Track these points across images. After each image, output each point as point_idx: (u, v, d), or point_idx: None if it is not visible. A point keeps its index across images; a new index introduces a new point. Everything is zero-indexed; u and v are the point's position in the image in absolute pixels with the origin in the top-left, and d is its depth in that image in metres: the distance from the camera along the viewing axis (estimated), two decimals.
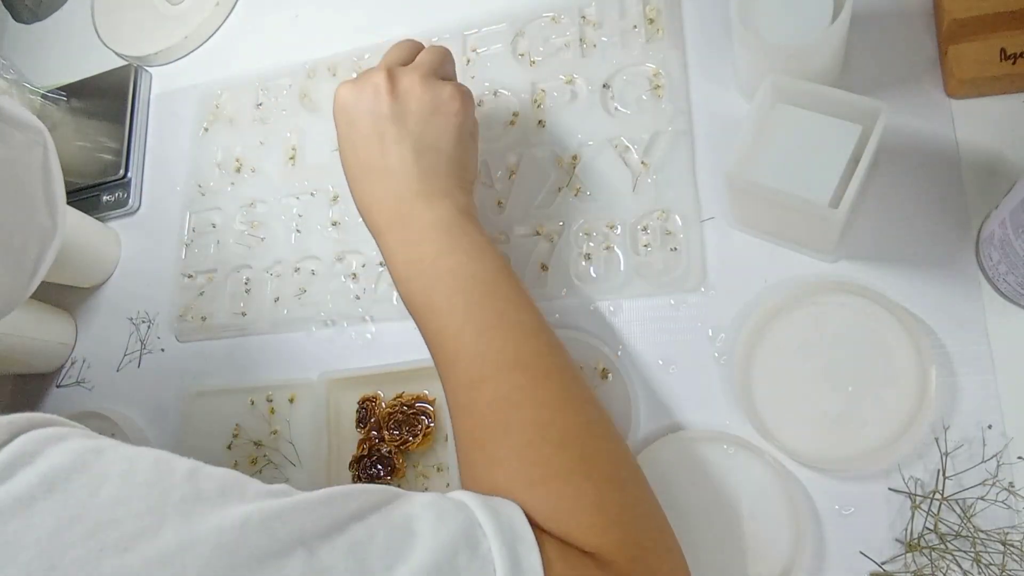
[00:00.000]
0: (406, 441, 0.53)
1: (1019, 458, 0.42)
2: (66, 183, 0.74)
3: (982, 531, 0.41)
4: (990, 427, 0.43)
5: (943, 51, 0.49)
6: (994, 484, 0.42)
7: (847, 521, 0.44)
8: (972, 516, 0.42)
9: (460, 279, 0.43)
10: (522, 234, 0.57)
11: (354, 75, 0.67)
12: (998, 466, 0.42)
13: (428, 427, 0.54)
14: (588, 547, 0.35)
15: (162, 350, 0.67)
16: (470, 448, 0.40)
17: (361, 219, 0.48)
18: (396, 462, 0.54)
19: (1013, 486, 0.42)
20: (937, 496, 0.43)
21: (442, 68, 0.49)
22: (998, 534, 0.41)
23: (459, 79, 0.63)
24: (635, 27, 0.59)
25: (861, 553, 0.43)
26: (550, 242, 0.56)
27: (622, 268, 0.54)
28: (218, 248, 0.67)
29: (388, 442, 0.54)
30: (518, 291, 0.44)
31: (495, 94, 0.62)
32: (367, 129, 0.46)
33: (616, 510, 0.37)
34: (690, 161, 0.54)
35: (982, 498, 0.42)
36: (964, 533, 0.42)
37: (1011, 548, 0.41)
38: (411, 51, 0.50)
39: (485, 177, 0.60)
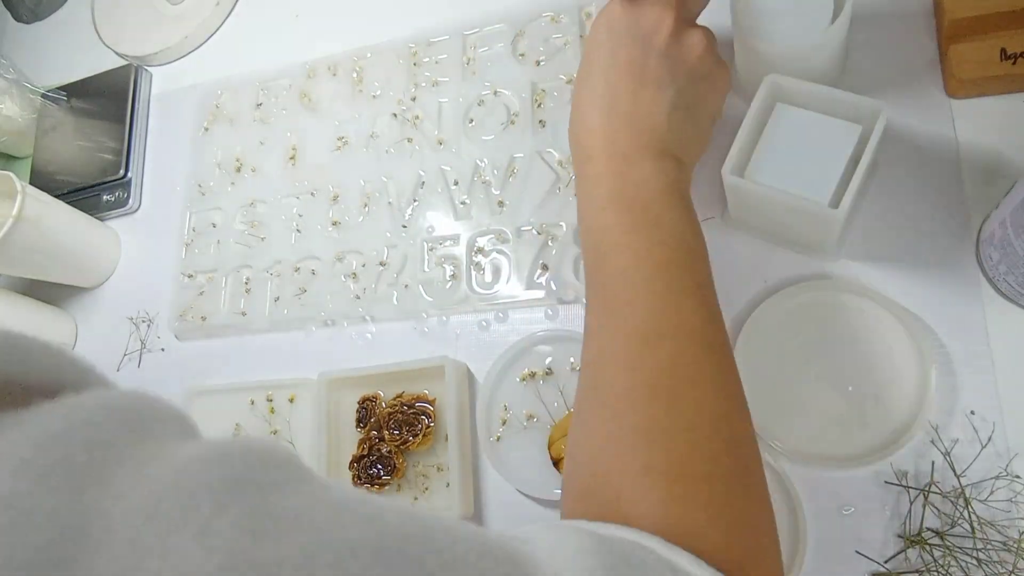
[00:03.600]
0: (406, 441, 0.53)
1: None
2: (66, 183, 0.75)
3: (987, 524, 0.41)
4: (992, 428, 0.43)
5: (943, 51, 0.49)
6: (996, 479, 0.42)
7: (847, 520, 0.44)
8: (972, 512, 0.42)
9: (668, 234, 0.40)
10: (522, 233, 0.57)
11: (354, 74, 0.67)
12: (1007, 464, 0.42)
13: (428, 427, 0.54)
14: (720, 561, 0.31)
15: (162, 350, 0.67)
16: (626, 407, 0.35)
17: (570, 130, 0.46)
18: (396, 462, 0.54)
19: (1014, 484, 0.42)
20: (935, 488, 0.43)
21: (717, 46, 0.47)
22: (1000, 530, 0.41)
23: (460, 79, 0.63)
24: None
25: (857, 552, 0.43)
26: (550, 242, 0.56)
27: None
28: (218, 248, 0.67)
29: (388, 442, 0.54)
30: (710, 274, 0.41)
31: (495, 94, 0.62)
32: (633, 57, 0.43)
33: (765, 538, 0.34)
34: None
35: (979, 499, 0.42)
36: (964, 527, 0.42)
37: (1011, 543, 0.41)
38: (697, 4, 0.47)
39: (486, 177, 0.60)
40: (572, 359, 0.53)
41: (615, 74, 0.43)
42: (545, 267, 0.56)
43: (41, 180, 0.77)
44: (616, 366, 0.37)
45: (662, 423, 0.34)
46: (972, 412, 0.44)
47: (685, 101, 0.43)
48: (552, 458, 0.50)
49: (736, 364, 0.39)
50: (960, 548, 0.42)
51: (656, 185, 0.41)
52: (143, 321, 0.69)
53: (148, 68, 0.79)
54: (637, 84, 0.43)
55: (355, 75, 0.68)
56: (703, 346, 0.37)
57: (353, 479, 0.55)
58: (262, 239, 0.66)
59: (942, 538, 0.42)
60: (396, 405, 0.55)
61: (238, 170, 0.69)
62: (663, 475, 0.33)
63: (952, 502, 0.42)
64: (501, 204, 0.59)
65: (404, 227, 0.61)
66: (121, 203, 0.73)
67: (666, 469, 0.33)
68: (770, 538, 0.34)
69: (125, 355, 0.69)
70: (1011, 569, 0.40)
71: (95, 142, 0.76)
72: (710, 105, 0.45)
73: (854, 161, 0.44)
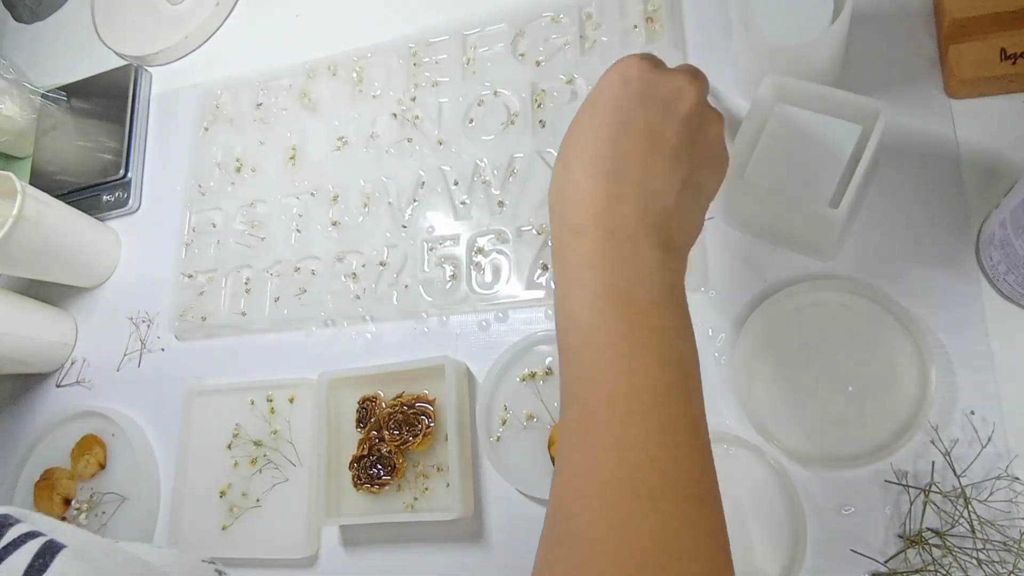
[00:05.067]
0: (406, 441, 0.53)
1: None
2: (66, 183, 0.75)
3: (987, 524, 0.41)
4: (992, 428, 0.43)
5: (943, 51, 0.49)
6: (997, 479, 0.42)
7: (847, 520, 0.44)
8: (972, 511, 0.42)
9: (669, 349, 0.34)
10: (522, 234, 0.57)
11: (354, 74, 0.67)
12: (1008, 465, 0.42)
13: (428, 427, 0.54)
14: None
15: (162, 350, 0.67)
16: (601, 566, 0.30)
17: (551, 195, 0.38)
18: (396, 462, 0.54)
19: (1015, 485, 0.42)
20: (935, 488, 0.43)
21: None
22: (1000, 529, 0.41)
23: (460, 79, 0.63)
24: (635, 27, 0.59)
25: (853, 551, 0.43)
26: (550, 242, 0.56)
27: None
28: (218, 248, 0.67)
29: (388, 442, 0.54)
30: (703, 403, 0.35)
31: (495, 94, 0.62)
32: (652, 119, 0.37)
33: None
34: None
35: (979, 499, 0.42)
36: (964, 527, 0.42)
37: (1011, 543, 0.41)
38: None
39: (486, 177, 0.60)
40: None
41: (630, 137, 0.36)
42: (545, 267, 0.56)
43: (41, 180, 0.77)
44: (600, 521, 0.31)
45: None
46: (972, 412, 0.44)
47: (695, 180, 0.38)
48: (552, 458, 0.50)
49: (725, 521, 0.33)
50: (960, 548, 0.42)
51: (659, 284, 0.35)
52: (143, 321, 0.69)
53: (148, 68, 0.79)
54: (652, 151, 0.36)
55: (355, 75, 0.68)
56: (700, 506, 0.31)
57: (353, 479, 0.55)
58: (262, 239, 0.66)
59: (942, 538, 0.42)
60: (396, 405, 0.55)
61: (238, 170, 0.69)
62: None
63: (952, 502, 0.42)
64: (501, 204, 0.59)
65: (404, 227, 0.61)
66: (121, 203, 0.73)
67: None
68: None
69: (125, 355, 0.69)
70: (1011, 569, 0.40)
71: (95, 142, 0.76)
72: (712, 190, 0.40)
73: (854, 161, 0.44)
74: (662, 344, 0.34)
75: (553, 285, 0.38)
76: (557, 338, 0.36)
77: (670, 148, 0.37)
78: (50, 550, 0.27)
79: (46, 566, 0.26)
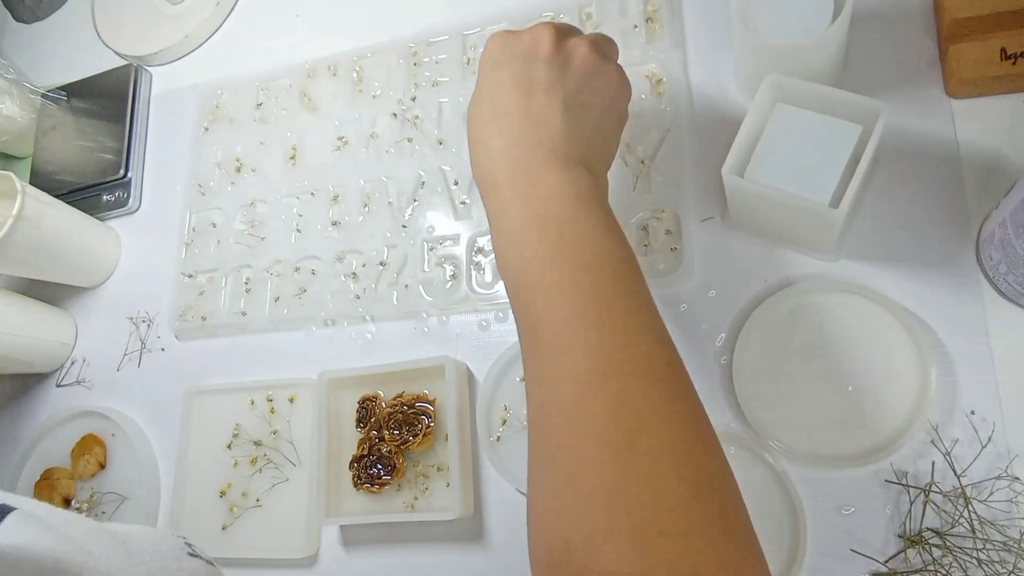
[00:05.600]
0: (406, 441, 0.53)
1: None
2: (66, 183, 0.75)
3: (987, 524, 0.41)
4: (992, 428, 0.43)
5: (943, 51, 0.49)
6: (997, 479, 0.42)
7: (847, 520, 0.44)
8: (973, 511, 0.42)
9: (590, 255, 0.36)
10: None
11: (354, 74, 0.67)
12: (1008, 465, 0.42)
13: (428, 427, 0.54)
14: None
15: (162, 349, 0.67)
16: (575, 465, 0.32)
17: (473, 173, 0.43)
18: (396, 462, 0.54)
19: (1015, 485, 0.42)
20: (935, 488, 0.43)
21: (607, 46, 0.45)
22: (1000, 529, 0.41)
23: (460, 79, 0.63)
24: (635, 26, 0.59)
25: (853, 551, 0.43)
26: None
27: None
28: (218, 248, 0.67)
29: (388, 442, 0.54)
30: (647, 288, 0.37)
31: None
32: (516, 73, 0.41)
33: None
34: (690, 161, 0.54)
35: (979, 498, 0.42)
36: (964, 527, 0.42)
37: (1011, 543, 0.41)
38: (573, 27, 0.46)
39: None
40: None
41: (502, 92, 0.41)
42: None
43: (41, 180, 0.77)
44: (560, 418, 0.33)
45: (618, 479, 0.30)
46: (972, 412, 0.44)
47: (579, 100, 0.41)
48: None
49: (694, 391, 0.35)
50: (960, 548, 0.42)
51: (568, 198, 0.38)
52: (143, 321, 0.69)
53: (148, 68, 0.79)
54: (525, 94, 0.41)
55: (355, 75, 0.68)
56: (652, 379, 0.33)
57: (353, 479, 0.55)
58: (262, 239, 0.66)
59: (942, 538, 0.42)
60: (396, 405, 0.55)
61: (238, 170, 0.69)
62: (628, 539, 0.29)
63: (952, 502, 0.42)
64: None
65: (404, 227, 0.61)
66: (121, 203, 0.73)
67: (630, 532, 0.29)
68: None
69: (125, 355, 0.69)
70: (1011, 569, 0.40)
71: (95, 142, 0.76)
72: (607, 101, 0.43)
73: (854, 161, 0.44)
74: (583, 251, 0.36)
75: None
76: (506, 291, 0.39)
77: (540, 85, 0.41)
78: (1, 511, 0.27)
79: None
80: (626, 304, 0.35)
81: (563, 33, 0.43)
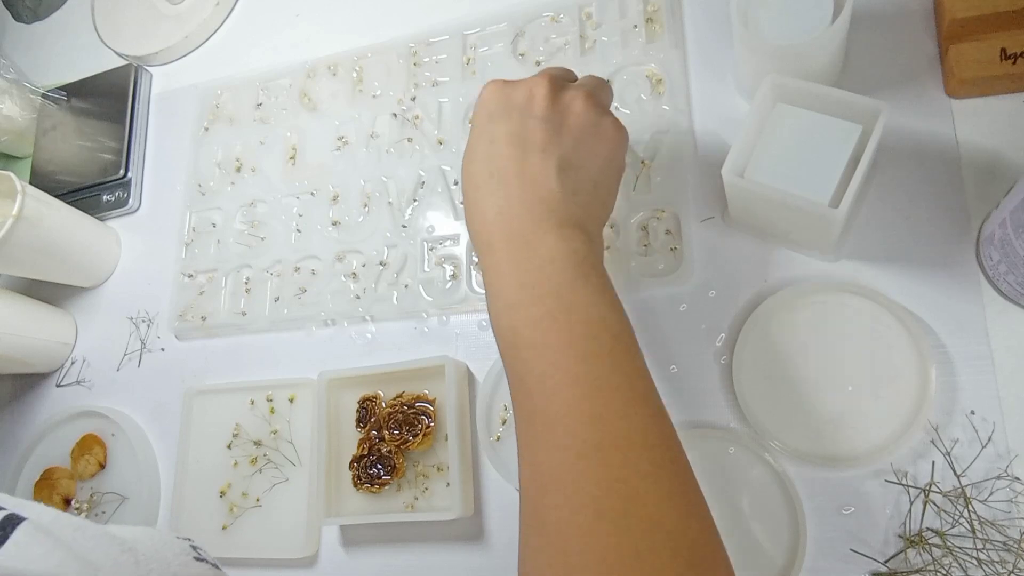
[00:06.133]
0: (406, 441, 0.53)
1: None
2: (66, 183, 0.75)
3: (987, 524, 0.41)
4: (992, 428, 0.43)
5: (943, 51, 0.49)
6: (997, 479, 0.42)
7: (847, 520, 0.44)
8: (973, 511, 0.42)
9: (586, 322, 0.36)
10: None
11: (354, 74, 0.67)
12: (1008, 465, 0.42)
13: (428, 427, 0.54)
14: None
15: (162, 349, 0.67)
16: (568, 535, 0.31)
17: (468, 229, 0.42)
18: (396, 462, 0.54)
19: (1015, 485, 0.42)
20: (935, 488, 0.43)
21: (602, 94, 0.45)
22: (1000, 529, 0.41)
23: (460, 79, 0.63)
24: (635, 27, 0.59)
25: (853, 551, 0.43)
26: None
27: (622, 268, 0.54)
28: (218, 248, 0.67)
29: (388, 442, 0.54)
30: (642, 356, 0.37)
31: None
32: (512, 129, 0.41)
33: None
34: (690, 161, 0.54)
35: (979, 499, 0.42)
36: (964, 527, 0.42)
37: (1011, 543, 0.41)
38: (569, 74, 0.46)
39: None
40: None
41: (497, 149, 0.41)
42: None
43: (41, 180, 0.77)
44: (554, 487, 0.33)
45: (612, 554, 0.30)
46: (972, 412, 0.44)
47: (575, 161, 0.41)
48: None
49: (687, 462, 0.34)
50: (960, 548, 0.42)
51: (563, 262, 0.37)
52: (143, 321, 0.69)
53: (148, 68, 0.79)
54: (520, 153, 0.40)
55: (355, 75, 0.68)
56: (647, 451, 0.33)
57: (353, 479, 0.55)
58: (262, 239, 0.66)
59: (942, 538, 0.42)
60: (396, 405, 0.55)
61: (238, 170, 0.69)
62: None
63: (952, 502, 0.42)
64: None
65: (404, 227, 0.61)
66: (121, 203, 0.73)
67: None
68: None
69: (125, 355, 0.69)
70: (1011, 569, 0.40)
71: (95, 142, 0.76)
72: (603, 160, 0.42)
73: (854, 161, 0.44)
74: (577, 317, 0.36)
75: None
76: (499, 351, 0.39)
77: (535, 144, 0.40)
78: (10, 522, 0.27)
79: (6, 538, 0.26)
80: (622, 373, 0.35)
81: (559, 86, 0.42)
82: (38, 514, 0.28)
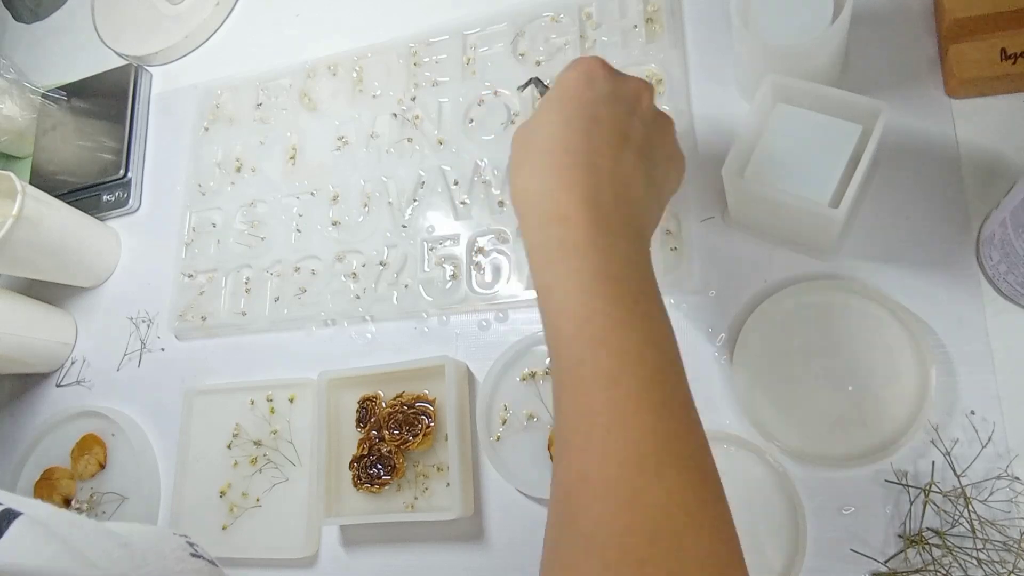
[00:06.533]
0: (406, 441, 0.53)
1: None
2: (66, 183, 0.75)
3: (987, 524, 0.41)
4: (992, 428, 0.43)
5: (943, 51, 0.49)
6: (997, 479, 0.42)
7: (847, 520, 0.44)
8: (972, 511, 0.42)
9: (659, 332, 0.35)
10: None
11: (354, 74, 0.67)
12: (1008, 465, 0.42)
13: (428, 427, 0.54)
14: None
15: (162, 349, 0.67)
16: (608, 551, 0.30)
17: (523, 187, 0.39)
18: (396, 462, 0.54)
19: (1015, 484, 0.42)
20: (935, 488, 0.43)
21: (672, 129, 0.44)
22: (1000, 529, 0.41)
23: (460, 79, 0.63)
24: (635, 27, 0.59)
25: (853, 551, 0.43)
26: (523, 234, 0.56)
27: None
28: (218, 248, 0.67)
29: (388, 442, 0.54)
30: (687, 383, 0.35)
31: (495, 94, 0.62)
32: (619, 116, 0.39)
33: None
34: (690, 161, 0.54)
35: (979, 498, 0.42)
36: (964, 526, 0.42)
37: (1011, 543, 0.41)
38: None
39: (485, 176, 0.60)
40: None
41: (597, 130, 0.38)
42: None
43: (41, 180, 0.77)
44: (606, 499, 0.30)
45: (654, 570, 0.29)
46: (972, 412, 0.44)
47: (656, 178, 0.40)
48: (553, 457, 0.50)
49: (724, 492, 0.33)
50: (960, 548, 0.42)
51: (642, 271, 0.36)
52: (143, 321, 0.69)
53: (148, 68, 0.79)
54: (621, 146, 0.38)
55: (355, 75, 0.68)
56: (703, 476, 0.32)
57: (353, 479, 0.55)
58: (262, 239, 0.66)
59: (942, 538, 0.42)
60: (396, 405, 0.55)
61: (238, 170, 0.69)
62: None
63: (952, 502, 0.42)
64: (501, 204, 0.59)
65: (404, 227, 0.61)
66: (121, 203, 0.73)
67: None
68: None
69: (125, 355, 0.69)
70: (1011, 569, 0.40)
71: (95, 142, 0.76)
72: (671, 188, 0.43)
73: (854, 161, 0.44)
74: (651, 328, 0.34)
75: (533, 275, 0.38)
76: (545, 325, 0.36)
77: (635, 144, 0.39)
78: (6, 517, 0.27)
79: (2, 532, 0.27)
80: (682, 391, 0.34)
81: (654, 102, 0.42)
82: (35, 510, 0.29)
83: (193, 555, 0.34)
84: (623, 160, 0.38)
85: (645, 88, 0.41)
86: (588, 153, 0.38)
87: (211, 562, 0.35)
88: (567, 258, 0.35)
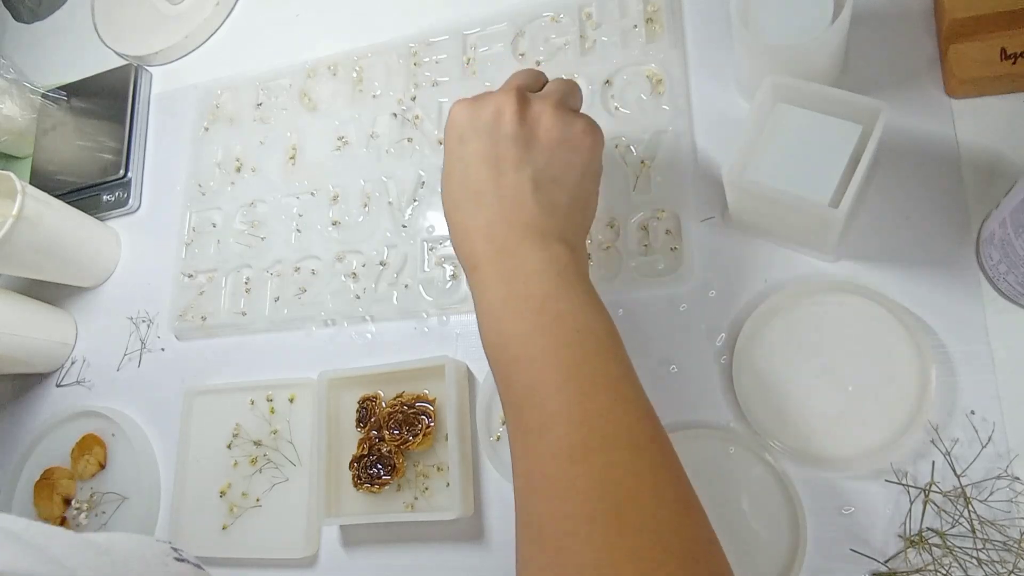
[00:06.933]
0: (406, 441, 0.53)
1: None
2: (66, 183, 0.75)
3: (988, 524, 0.41)
4: (992, 428, 0.43)
5: (943, 51, 0.49)
6: (997, 479, 0.42)
7: (847, 521, 0.44)
8: (973, 511, 0.42)
9: (571, 330, 0.37)
10: None
11: (354, 74, 0.67)
12: (1008, 465, 0.42)
13: (428, 427, 0.54)
14: None
15: (162, 349, 0.67)
16: (562, 539, 0.32)
17: (454, 249, 0.43)
18: (396, 462, 0.54)
19: (1015, 485, 0.42)
20: (935, 488, 0.43)
21: (572, 100, 0.45)
22: (1000, 529, 0.41)
23: (460, 79, 0.63)
24: (635, 27, 0.59)
25: (853, 551, 0.43)
26: None
27: (622, 268, 0.54)
28: (218, 248, 0.67)
29: (388, 442, 0.54)
30: (628, 359, 0.38)
31: None
32: (483, 149, 0.41)
33: None
34: (690, 161, 0.54)
35: (979, 498, 0.42)
36: (964, 527, 0.42)
37: (1011, 543, 0.41)
38: (539, 79, 0.46)
39: None
40: None
41: (472, 170, 0.42)
42: None
43: (41, 180, 0.77)
44: (546, 494, 0.33)
45: (606, 555, 0.30)
46: (972, 412, 0.44)
47: (550, 175, 0.41)
48: None
49: (678, 460, 0.35)
50: (960, 548, 0.42)
51: (547, 275, 0.38)
52: (143, 321, 0.69)
53: (148, 68, 0.79)
54: (495, 172, 0.41)
55: (355, 75, 0.68)
56: (635, 451, 0.34)
57: (353, 479, 0.55)
58: (262, 239, 0.66)
59: (942, 538, 0.42)
60: (396, 405, 0.55)
61: (238, 170, 0.69)
62: None
63: (952, 502, 0.42)
64: None
65: (404, 227, 0.61)
66: (121, 203, 0.73)
67: None
68: None
69: (125, 355, 0.69)
70: (1011, 569, 0.40)
71: (95, 142, 0.76)
72: (579, 170, 0.42)
73: (854, 161, 0.44)
74: (564, 326, 0.37)
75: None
76: (490, 367, 0.39)
77: (508, 162, 0.41)
78: None
79: None
80: (607, 377, 0.36)
81: (525, 100, 0.42)
82: (10, 522, 0.28)
83: (177, 559, 0.34)
84: (502, 185, 0.41)
85: (505, 101, 0.42)
86: (470, 197, 0.41)
87: (196, 565, 0.34)
88: (482, 296, 0.40)
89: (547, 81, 0.46)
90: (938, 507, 0.43)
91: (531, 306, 0.37)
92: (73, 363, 0.71)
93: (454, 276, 0.58)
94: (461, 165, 0.42)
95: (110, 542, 0.31)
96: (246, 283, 0.65)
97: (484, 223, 0.41)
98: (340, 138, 0.66)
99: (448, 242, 0.59)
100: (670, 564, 0.30)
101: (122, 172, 0.74)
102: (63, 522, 0.64)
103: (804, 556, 0.44)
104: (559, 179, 0.42)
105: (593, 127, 0.44)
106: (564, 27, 0.61)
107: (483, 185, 0.41)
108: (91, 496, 0.64)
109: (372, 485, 0.54)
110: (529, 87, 0.45)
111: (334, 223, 0.63)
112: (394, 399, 0.55)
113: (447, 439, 0.53)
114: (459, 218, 0.42)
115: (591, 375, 0.35)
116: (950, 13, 0.47)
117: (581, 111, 0.46)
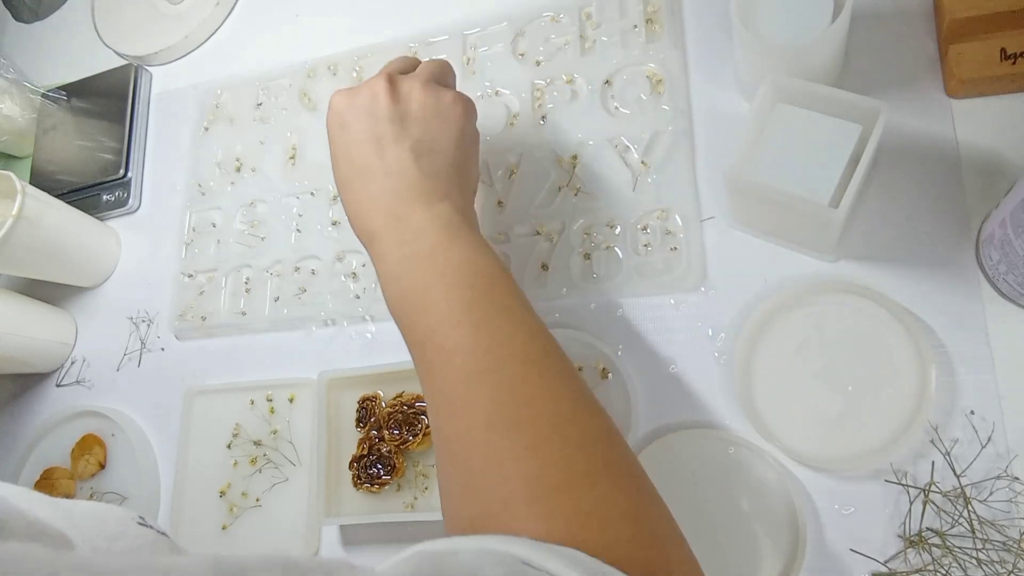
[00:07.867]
0: (406, 441, 0.53)
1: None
2: (66, 183, 0.75)
3: (987, 524, 0.41)
4: (992, 428, 0.43)
5: (943, 51, 0.49)
6: (997, 479, 0.42)
7: (847, 521, 0.44)
8: (972, 511, 0.42)
9: (461, 273, 0.40)
10: (522, 234, 0.57)
11: (354, 74, 0.67)
12: (1007, 465, 0.42)
13: (428, 427, 0.54)
14: (614, 559, 0.30)
15: (162, 349, 0.67)
16: (468, 450, 0.35)
17: (352, 229, 0.46)
18: (396, 461, 0.54)
19: (1015, 484, 0.42)
20: (935, 488, 0.43)
21: (442, 77, 0.49)
22: (1000, 529, 0.41)
23: (460, 79, 0.63)
24: (635, 27, 0.59)
25: (853, 551, 0.43)
26: (550, 242, 0.56)
27: (622, 268, 0.54)
28: (218, 248, 0.67)
29: (388, 441, 0.54)
30: (520, 293, 0.41)
31: (495, 94, 0.62)
32: (363, 131, 0.45)
33: (647, 520, 0.33)
34: (690, 161, 0.54)
35: (978, 498, 0.42)
36: (964, 527, 0.42)
37: (1011, 543, 0.41)
38: (410, 63, 0.49)
39: (485, 177, 0.60)
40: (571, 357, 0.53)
41: (356, 151, 0.45)
42: (545, 267, 0.56)
43: (41, 180, 0.77)
44: (451, 416, 0.37)
45: (506, 452, 0.34)
46: (972, 412, 0.44)
47: (428, 144, 0.45)
48: None
49: (575, 372, 0.38)
50: (960, 548, 0.42)
51: (435, 230, 0.42)
52: (143, 321, 0.69)
53: (148, 68, 0.79)
54: (377, 150, 0.44)
55: (355, 75, 0.68)
56: (528, 365, 0.37)
57: (353, 479, 0.55)
58: (262, 239, 0.66)
59: (942, 538, 0.42)
60: (396, 405, 0.55)
61: (238, 170, 0.69)
62: (524, 502, 0.32)
63: (952, 502, 0.42)
64: (501, 204, 0.59)
65: None
66: (121, 203, 0.73)
67: (525, 495, 0.32)
68: (657, 523, 0.33)
69: (125, 355, 0.69)
70: (1011, 569, 0.40)
71: (95, 142, 0.76)
72: (454, 137, 0.46)
73: (854, 161, 0.44)
74: (452, 271, 0.40)
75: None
76: (399, 330, 0.42)
77: (387, 139, 0.44)
78: None
79: None
80: (498, 308, 0.39)
81: (396, 81, 0.46)
82: None
83: (140, 524, 0.34)
84: (385, 160, 0.44)
85: (377, 84, 0.45)
86: (357, 174, 0.45)
87: (161, 533, 0.34)
88: (383, 265, 0.43)
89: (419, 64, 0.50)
90: (938, 507, 0.43)
91: (424, 259, 0.41)
92: (73, 363, 0.71)
93: None
94: (346, 148, 0.46)
95: (72, 504, 0.31)
96: (246, 283, 0.65)
97: (375, 197, 0.44)
98: None
99: None
100: (565, 449, 0.33)
101: (122, 172, 0.74)
102: None
103: (804, 556, 0.44)
104: (436, 147, 0.45)
105: (462, 97, 0.47)
106: (564, 27, 0.61)
107: (368, 162, 0.45)
108: (91, 496, 0.64)
109: (372, 485, 0.54)
110: (401, 71, 0.48)
111: (334, 223, 0.63)
112: (394, 399, 0.55)
113: None
114: (351, 197, 0.45)
115: (483, 308, 0.39)
116: (950, 13, 0.47)
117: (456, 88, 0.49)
